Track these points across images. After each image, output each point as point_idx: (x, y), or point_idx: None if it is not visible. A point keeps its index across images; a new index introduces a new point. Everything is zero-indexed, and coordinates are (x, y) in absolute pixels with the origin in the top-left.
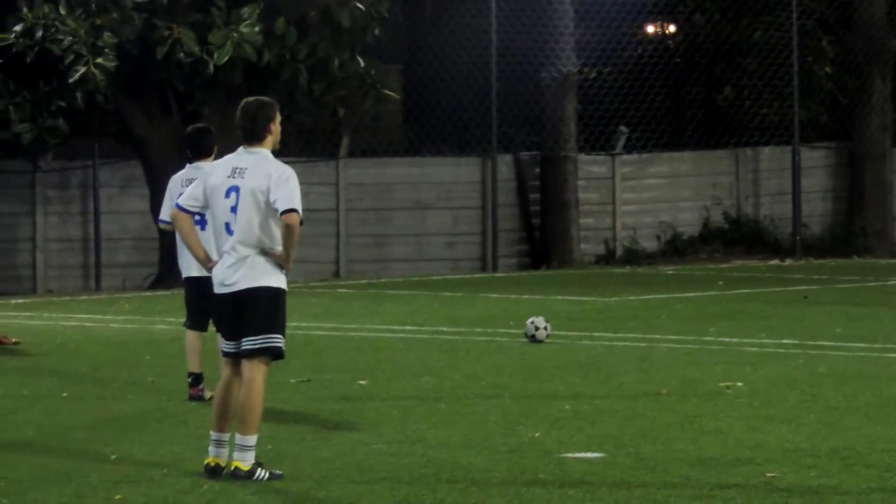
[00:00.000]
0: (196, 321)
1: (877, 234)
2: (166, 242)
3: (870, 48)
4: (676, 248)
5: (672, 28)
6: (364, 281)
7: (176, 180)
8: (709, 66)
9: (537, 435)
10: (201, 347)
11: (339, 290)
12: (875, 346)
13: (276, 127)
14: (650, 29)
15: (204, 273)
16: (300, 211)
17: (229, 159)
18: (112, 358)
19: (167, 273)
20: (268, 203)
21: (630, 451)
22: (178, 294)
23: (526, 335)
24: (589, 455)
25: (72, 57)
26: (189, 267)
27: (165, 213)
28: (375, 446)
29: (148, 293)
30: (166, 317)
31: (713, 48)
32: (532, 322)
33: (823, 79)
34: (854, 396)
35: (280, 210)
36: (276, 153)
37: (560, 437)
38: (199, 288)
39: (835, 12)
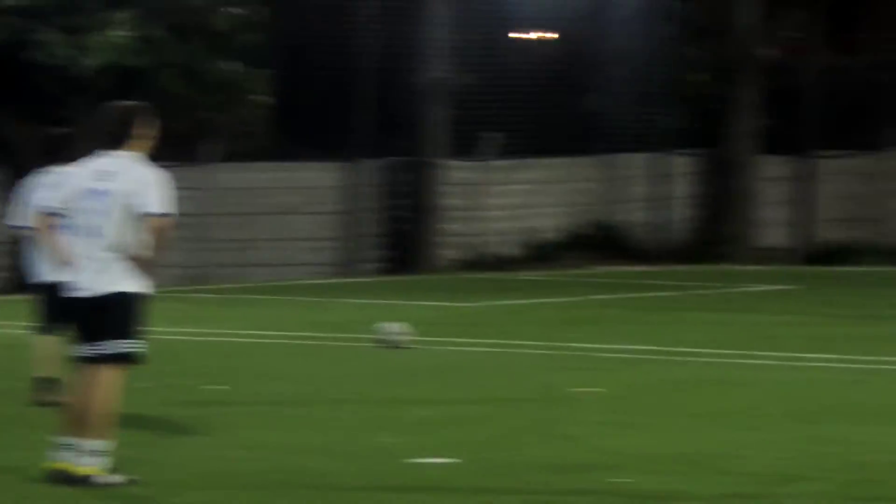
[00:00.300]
0: (49, 326)
1: (740, 241)
2: (19, 247)
3: (738, 56)
4: (541, 254)
5: (545, 35)
6: (227, 286)
7: (34, 184)
8: (579, 73)
9: (392, 440)
10: (53, 352)
11: (201, 295)
12: (733, 352)
13: (146, 131)
14: (523, 36)
15: (59, 277)
16: (170, 216)
17: (95, 162)
18: None
19: (20, 277)
20: (135, 207)
21: (483, 457)
22: (31, 298)
23: (382, 341)
24: (443, 460)
25: None
26: (44, 271)
27: (20, 218)
28: (229, 451)
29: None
30: (19, 321)
31: (585, 55)
32: (389, 327)
33: (692, 86)
34: (710, 403)
35: (149, 214)
36: (145, 157)
37: (415, 442)
38: (54, 292)
39: (706, 20)
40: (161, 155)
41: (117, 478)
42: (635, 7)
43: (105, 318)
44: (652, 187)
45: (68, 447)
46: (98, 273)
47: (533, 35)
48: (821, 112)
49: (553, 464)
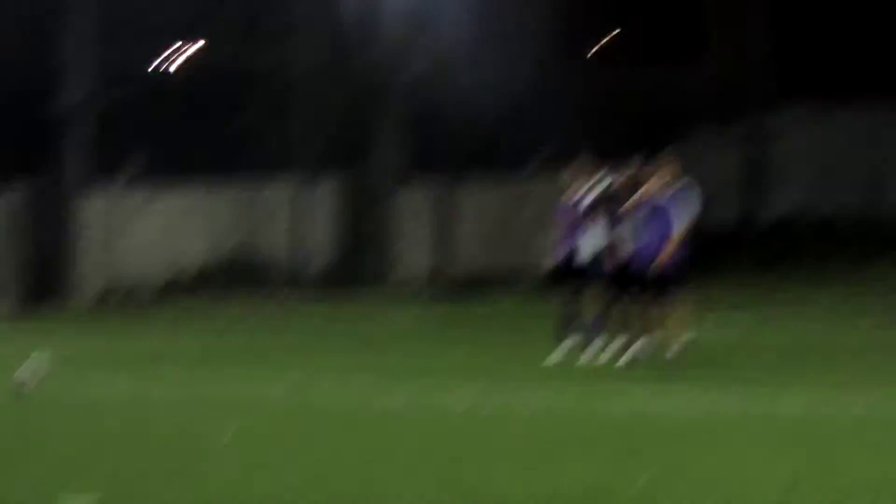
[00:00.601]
0: None
1: (381, 270)
2: None
3: (379, 85)
4: (182, 285)
5: (188, 61)
6: None
7: None
8: (222, 100)
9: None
10: None
11: None
12: (378, 380)
13: None
14: (167, 62)
15: None
16: None
17: None
18: None
19: None
20: None
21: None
22: None
23: (17, 384)
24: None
25: None
26: None
27: None
28: None
29: None
30: None
31: (229, 82)
32: (23, 370)
33: (334, 112)
34: (353, 435)
35: None
36: None
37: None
38: None
39: (348, 47)
40: None
41: None
42: (283, 34)
43: None
44: (295, 215)
45: None
46: None
47: (176, 62)
48: (463, 139)
49: None
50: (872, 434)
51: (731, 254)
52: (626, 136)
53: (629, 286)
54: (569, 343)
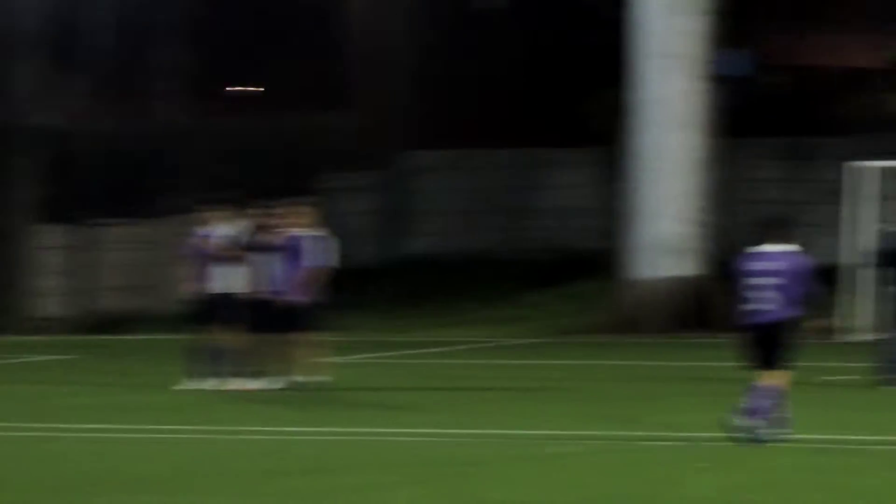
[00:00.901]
0: None
1: (16, 311)
2: None
3: (9, 122)
4: None
5: None
6: None
7: None
8: None
9: None
10: None
11: None
12: (8, 424)
13: None
14: None
15: None
16: None
17: None
18: None
19: None
20: None
21: None
22: None
23: None
24: None
25: None
26: None
27: None
28: None
29: None
30: None
31: None
32: None
33: None
34: None
35: None
36: None
37: None
38: None
39: None
40: None
41: None
42: None
43: None
44: None
45: None
46: None
47: None
48: (99, 180)
49: None
50: (497, 463)
51: (371, 291)
52: (267, 180)
53: (262, 322)
54: (202, 375)
